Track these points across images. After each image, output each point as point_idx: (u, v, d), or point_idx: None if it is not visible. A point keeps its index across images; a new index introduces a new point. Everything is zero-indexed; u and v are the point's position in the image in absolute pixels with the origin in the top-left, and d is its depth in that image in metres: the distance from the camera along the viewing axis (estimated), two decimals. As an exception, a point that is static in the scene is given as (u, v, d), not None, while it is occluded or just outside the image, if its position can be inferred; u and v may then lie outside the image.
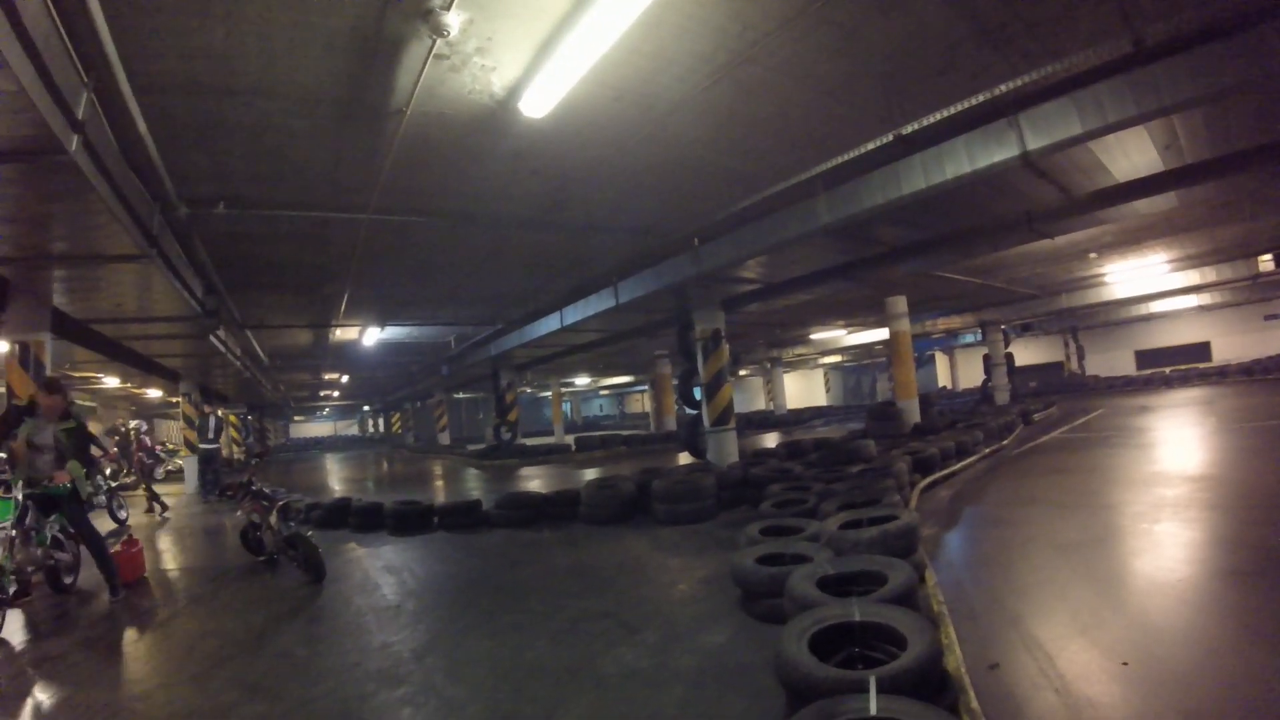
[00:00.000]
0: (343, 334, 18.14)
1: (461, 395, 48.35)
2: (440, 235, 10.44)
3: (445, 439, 39.96)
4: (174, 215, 8.24)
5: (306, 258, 11.17)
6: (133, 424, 21.95)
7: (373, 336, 17.83)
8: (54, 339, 10.80)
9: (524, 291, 14.58)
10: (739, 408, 51.25)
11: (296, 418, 77.10)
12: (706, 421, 14.73)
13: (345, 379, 33.07)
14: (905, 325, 20.66)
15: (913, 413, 20.44)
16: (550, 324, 16.74)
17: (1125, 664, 4.47)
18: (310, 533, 9.23)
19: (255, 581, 9.15)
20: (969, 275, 19.05)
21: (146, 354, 17.13)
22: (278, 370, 25.84)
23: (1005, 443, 17.06)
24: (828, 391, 57.28)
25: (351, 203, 8.83)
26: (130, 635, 7.13)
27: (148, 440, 21.29)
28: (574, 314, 15.39)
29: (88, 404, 29.60)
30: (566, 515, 11.76)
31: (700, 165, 8.65)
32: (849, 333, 31.75)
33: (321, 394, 44.01)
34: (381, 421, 68.15)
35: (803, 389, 56.80)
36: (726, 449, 14.68)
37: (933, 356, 52.35)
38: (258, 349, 19.22)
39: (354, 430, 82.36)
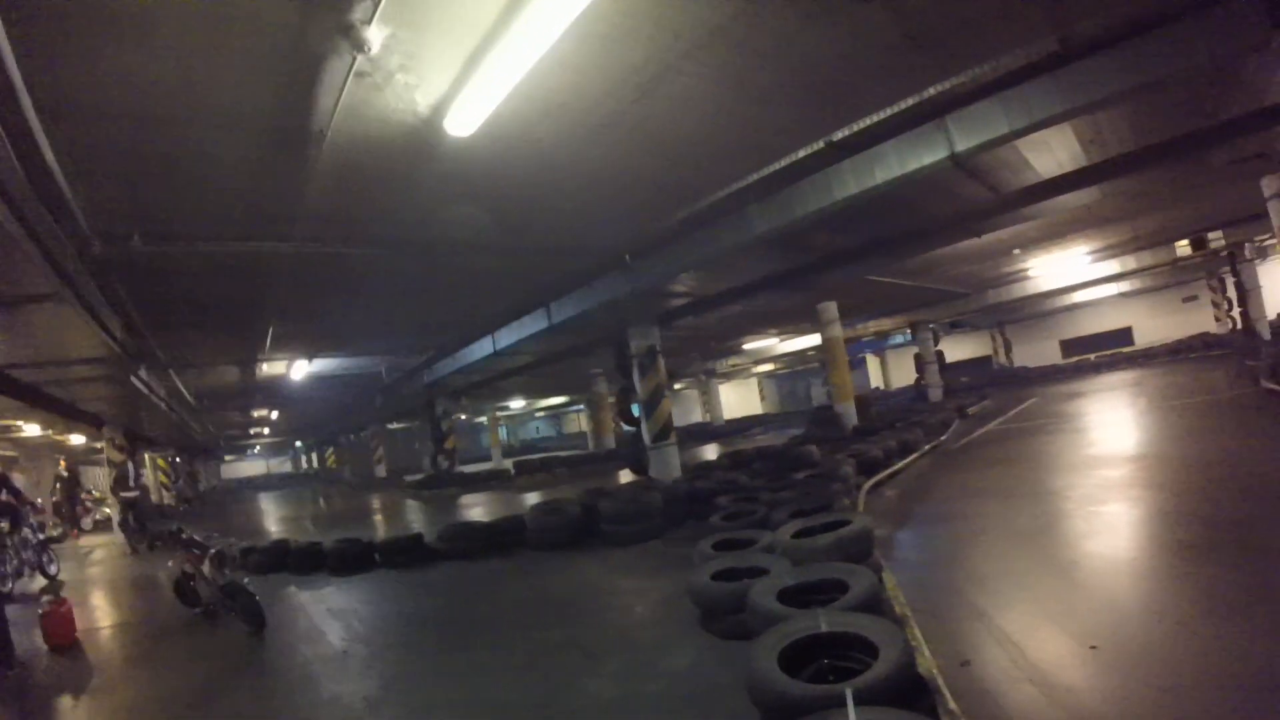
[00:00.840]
0: (270, 369, 17.65)
1: (397, 426, 47.44)
2: (370, 264, 10.16)
3: (382, 471, 39.22)
4: (89, 251, 7.83)
5: (231, 292, 10.78)
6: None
7: (301, 370, 17.38)
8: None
9: (457, 317, 14.34)
10: (677, 421, 50.90)
11: (227, 457, 73.44)
12: (647, 438, 14.62)
13: (275, 415, 32.15)
14: (838, 330, 20.87)
15: (851, 415, 20.63)
16: (483, 349, 16.48)
17: (1094, 647, 4.47)
18: (248, 580, 8.84)
19: (194, 635, 8.78)
20: (901, 278, 19.39)
21: (67, 398, 16.37)
22: (206, 411, 24.99)
23: (944, 438, 17.30)
24: (763, 400, 57.52)
25: (277, 232, 8.53)
26: (67, 704, 6.76)
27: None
28: (507, 337, 15.18)
29: (7, 454, 28.31)
30: (513, 543, 11.46)
31: (634, 179, 8.54)
32: (782, 340, 32.09)
33: (253, 431, 42.70)
34: (315, 457, 66.46)
35: (739, 399, 57.01)
36: (670, 464, 14.57)
37: (864, 359, 53.15)
38: (183, 390, 18.57)
39: (288, 467, 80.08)
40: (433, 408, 26.49)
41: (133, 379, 13.22)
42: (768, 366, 47.85)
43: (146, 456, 35.11)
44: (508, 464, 30.24)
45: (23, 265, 6.89)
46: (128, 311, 10.92)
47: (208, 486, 58.73)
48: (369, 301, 12.44)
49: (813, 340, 30.84)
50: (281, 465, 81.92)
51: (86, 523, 24.39)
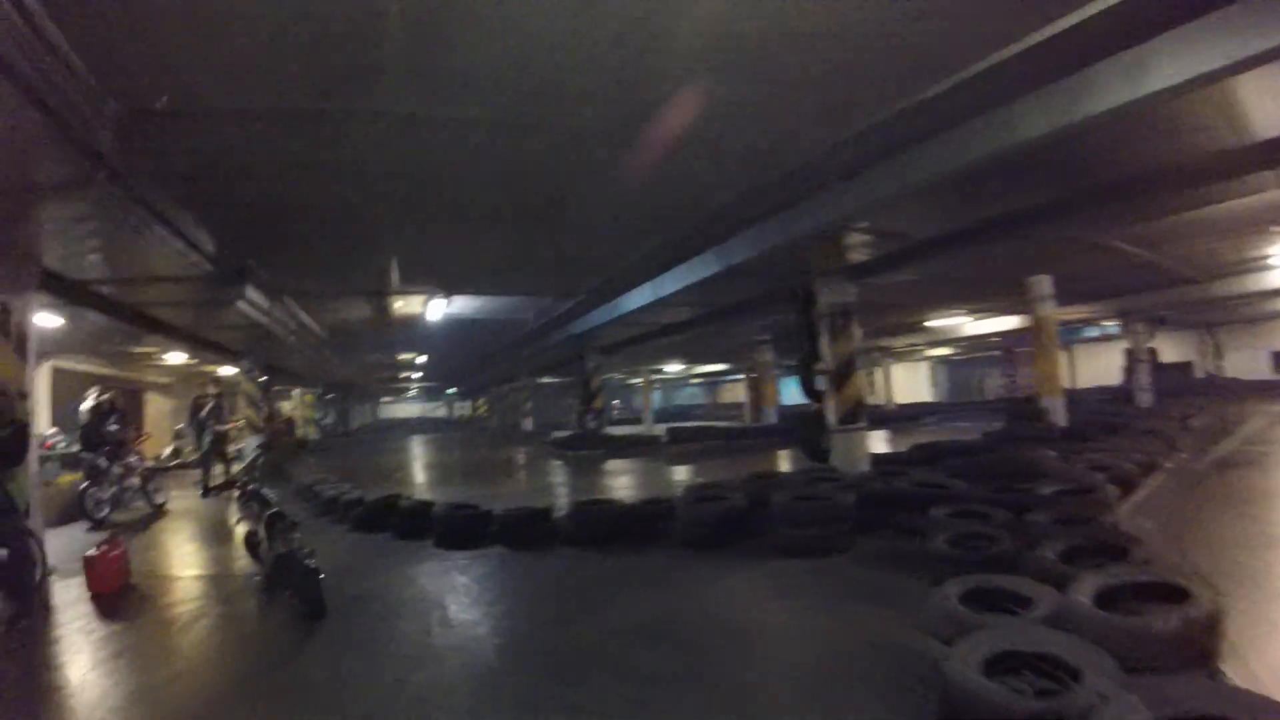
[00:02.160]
0: (405, 306, 15.97)
1: (547, 380, 46.18)
2: (485, 161, 7.80)
3: (529, 425, 37.93)
4: (105, 111, 5.86)
5: (329, 199, 8.76)
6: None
7: (438, 310, 15.58)
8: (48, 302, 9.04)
9: (607, 253, 12.02)
10: None
11: (384, 399, 77.64)
12: (831, 418, 11.96)
13: (422, 360, 31.08)
14: (1050, 309, 17.61)
15: (1059, 413, 17.36)
16: (641, 296, 14.18)
17: None
18: (310, 559, 6.78)
19: (241, 607, 7.11)
20: (1136, 245, 15.63)
21: (180, 324, 15.20)
22: (344, 348, 23.81)
23: (1181, 454, 13.90)
24: (933, 386, 53.06)
25: (355, 102, 6.37)
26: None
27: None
28: (670, 283, 12.79)
29: (161, 381, 28.29)
30: (657, 532, 9.15)
31: (861, 30, 5.58)
32: (974, 319, 28.31)
33: (402, 375, 42.48)
34: (468, 405, 67.31)
35: (904, 383, 52.62)
36: (854, 453, 11.86)
37: None
38: (308, 322, 17.11)
39: (442, 413, 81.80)
40: (583, 362, 24.51)
41: (240, 304, 11.64)
42: (943, 350, 43.63)
43: (296, 392, 35.36)
44: (659, 429, 28.25)
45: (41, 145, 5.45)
46: (222, 228, 9.33)
47: (360, 424, 60.14)
48: (500, 229, 10.27)
49: (1007, 323, 27.20)
50: (436, 410, 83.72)
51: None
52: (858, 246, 11.52)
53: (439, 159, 7.48)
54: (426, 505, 10.51)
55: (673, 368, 44.96)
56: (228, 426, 17.82)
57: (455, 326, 19.40)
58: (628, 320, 16.43)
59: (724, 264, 10.92)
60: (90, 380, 16.06)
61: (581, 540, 9.13)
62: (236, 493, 8.57)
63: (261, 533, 7.41)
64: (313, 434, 35.25)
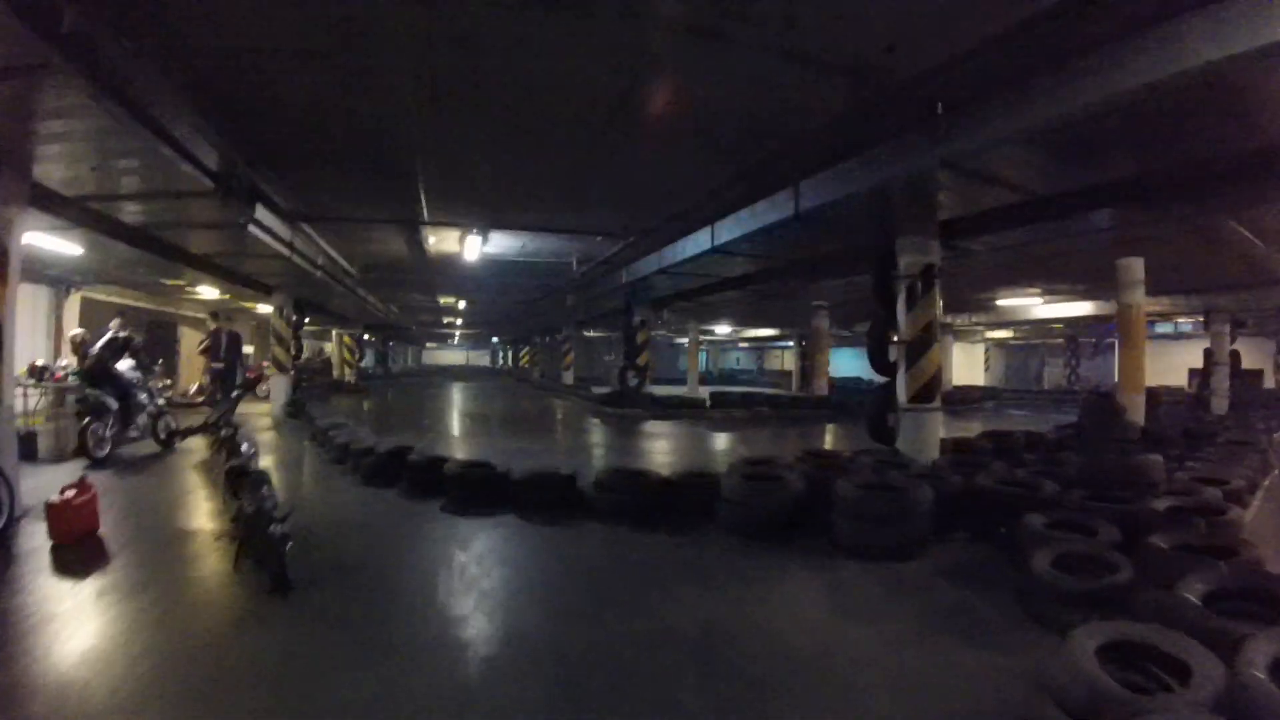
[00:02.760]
0: (441, 243, 14.87)
1: (592, 334, 45.04)
2: (540, 54, 6.44)
3: (570, 378, 36.87)
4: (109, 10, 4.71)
5: (350, 103, 7.51)
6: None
7: (475, 248, 14.40)
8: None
9: (666, 186, 10.52)
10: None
11: (429, 344, 78.04)
12: (902, 395, 10.58)
13: (463, 305, 30.01)
14: (1139, 296, 15.80)
15: (1138, 412, 15.72)
16: (696, 244, 12.80)
17: None
18: (279, 523, 5.66)
19: (202, 573, 6.04)
20: (1256, 235, 13.88)
21: (200, 254, 14.21)
22: (380, 287, 22.75)
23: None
24: (986, 370, 50.46)
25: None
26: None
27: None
28: (730, 229, 11.37)
29: (197, 315, 27.84)
30: (699, 512, 7.92)
31: None
32: (1045, 301, 26.46)
33: (446, 320, 41.59)
34: (510, 354, 66.80)
35: (961, 364, 50.12)
36: (924, 437, 10.46)
37: (1111, 345, 44.09)
38: (336, 256, 16.03)
39: (485, 361, 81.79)
40: (630, 314, 23.24)
41: (253, 229, 10.60)
42: (1001, 334, 41.32)
43: (335, 333, 34.77)
44: (703, 392, 27.02)
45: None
46: (226, 136, 8.25)
47: (402, 369, 59.97)
48: (544, 150, 8.96)
49: (1079, 308, 25.33)
50: (480, 358, 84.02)
51: (262, 389, 23.10)
52: (950, 200, 10.01)
53: (483, 46, 6.14)
54: (438, 461, 9.42)
55: (721, 329, 43.51)
56: (220, 365, 16.89)
57: (495, 270, 18.25)
58: (680, 270, 15.03)
59: (796, 209, 9.50)
60: (118, 312, 15.38)
61: (611, 514, 7.99)
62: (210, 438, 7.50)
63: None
64: (348, 375, 34.54)
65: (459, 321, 43.27)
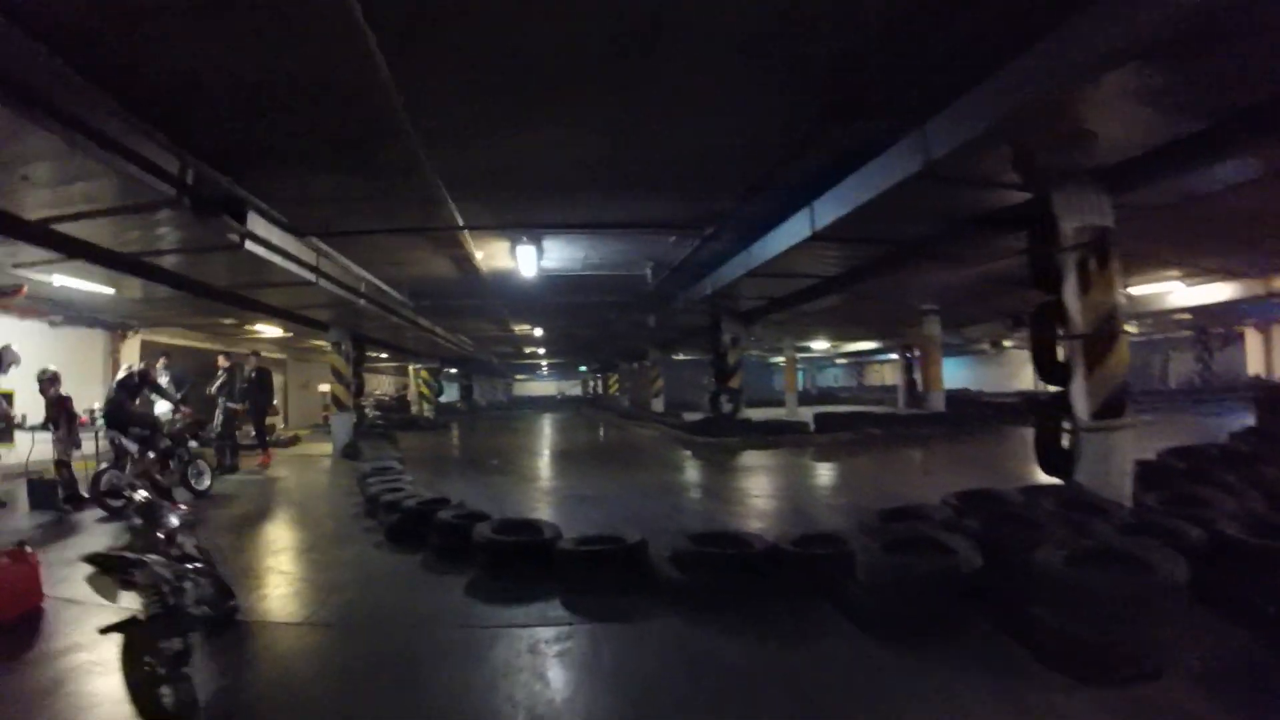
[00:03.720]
0: (490, 258, 13.00)
1: (682, 356, 42.55)
2: None
3: (659, 405, 34.61)
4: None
5: (285, 64, 5.49)
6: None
7: (530, 262, 12.37)
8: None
9: (733, 141, 8.06)
10: (987, 386, 42.50)
11: (519, 376, 77.79)
12: (1083, 409, 7.89)
13: (539, 333, 28.10)
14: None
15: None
16: (791, 232, 10.35)
17: None
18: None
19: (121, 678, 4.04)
20: None
21: (215, 283, 12.57)
22: (439, 315, 20.94)
23: None
24: None
25: None
26: None
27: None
28: (835, 205, 8.93)
29: (274, 355, 27.22)
30: (814, 589, 5.49)
31: None
32: (1189, 284, 22.79)
33: (527, 351, 40.01)
34: (600, 383, 65.30)
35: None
36: (1116, 465, 7.71)
37: (1240, 336, 38.44)
38: (376, 281, 14.16)
39: (577, 391, 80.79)
40: (717, 333, 20.84)
41: (252, 247, 9.14)
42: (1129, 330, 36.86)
43: (411, 368, 33.69)
44: (803, 413, 24.43)
45: None
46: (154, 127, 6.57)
47: (489, 402, 59.27)
48: (579, 99, 6.70)
49: (1219, 291, 21.71)
50: (572, 388, 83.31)
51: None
52: (1123, 129, 7.32)
53: None
54: (472, 520, 7.23)
55: (818, 344, 40.70)
56: (239, 407, 15.31)
57: (561, 288, 16.22)
58: (772, 271, 12.54)
59: (926, 160, 7.00)
60: (163, 352, 14.83)
61: (694, 596, 5.61)
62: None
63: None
64: (426, 411, 33.22)
65: (540, 351, 41.63)
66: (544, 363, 56.10)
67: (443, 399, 49.38)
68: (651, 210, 10.13)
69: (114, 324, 18.12)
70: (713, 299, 16.35)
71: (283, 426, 26.77)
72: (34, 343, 15.26)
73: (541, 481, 13.69)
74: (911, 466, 14.46)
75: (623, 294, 17.35)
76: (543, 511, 9.84)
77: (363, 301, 14.61)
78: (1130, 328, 35.05)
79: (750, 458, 16.32)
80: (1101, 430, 7.78)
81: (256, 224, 9.19)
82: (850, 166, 8.20)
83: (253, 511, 10.62)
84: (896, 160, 7.45)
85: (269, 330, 21.29)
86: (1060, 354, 8.04)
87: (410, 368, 34.85)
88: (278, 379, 28.67)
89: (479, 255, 12.41)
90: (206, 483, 11.85)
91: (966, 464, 13.78)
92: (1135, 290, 22.28)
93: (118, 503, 9.83)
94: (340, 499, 11.28)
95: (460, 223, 9.88)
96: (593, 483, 13.17)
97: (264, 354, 26.52)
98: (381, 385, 47.44)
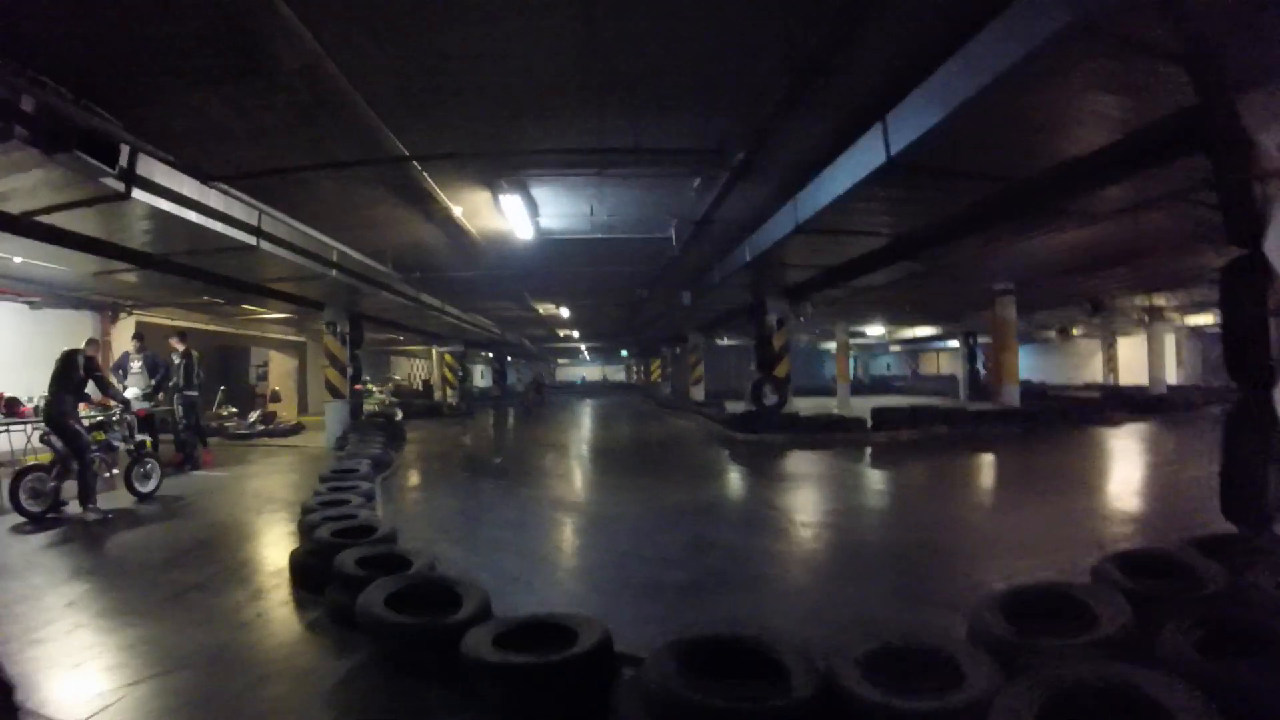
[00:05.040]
0: (474, 216, 10.65)
1: (726, 341, 39.60)
2: None
3: (699, 393, 32.11)
4: None
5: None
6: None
7: (520, 216, 9.96)
8: None
9: (777, 18, 5.64)
10: (1052, 378, 38.85)
11: (561, 360, 76.39)
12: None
13: (566, 313, 25.59)
14: None
15: None
16: (858, 162, 7.50)
17: None
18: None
19: None
20: None
21: (141, 248, 10.48)
22: (442, 291, 18.53)
23: None
24: (1179, 364, 40.94)
25: None
26: None
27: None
28: (926, 110, 6.09)
29: (286, 337, 26.26)
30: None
31: None
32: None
33: (561, 334, 37.74)
34: (641, 369, 62.47)
35: (1140, 358, 40.56)
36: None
37: None
38: (342, 247, 11.80)
39: (621, 376, 79.02)
40: (760, 311, 18.16)
41: (141, 196, 7.22)
42: (1203, 317, 32.75)
43: (435, 351, 31.96)
44: (856, 404, 21.72)
45: None
46: None
47: (525, 387, 57.50)
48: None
49: None
50: (617, 373, 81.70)
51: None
52: None
53: None
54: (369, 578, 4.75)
55: (872, 330, 37.60)
56: (194, 393, 13.27)
57: (573, 256, 13.70)
58: (825, 225, 9.71)
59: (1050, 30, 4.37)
60: (137, 335, 13.41)
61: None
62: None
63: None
64: (450, 397, 31.32)
65: (575, 334, 39.21)
66: (582, 346, 53.41)
67: (479, 384, 47.42)
68: (660, 133, 7.39)
69: (103, 304, 16.71)
70: (754, 270, 13.61)
71: (297, 414, 24.98)
72: (11, 326, 14.52)
73: (537, 489, 11.20)
74: (1000, 484, 11.71)
75: (647, 263, 14.66)
76: (522, 539, 7.68)
77: (335, 273, 12.45)
78: (1207, 316, 31.34)
79: (797, 462, 13.68)
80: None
81: (153, 170, 7.23)
82: (945, 49, 5.53)
83: (159, 540, 8.01)
84: (1025, 20, 4.79)
85: (274, 313, 19.93)
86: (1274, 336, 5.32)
87: (434, 351, 32.71)
88: (290, 363, 26.96)
89: (457, 210, 9.91)
90: (153, 484, 10.19)
91: (1067, 482, 11.00)
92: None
93: (37, 508, 8.61)
94: (286, 516, 8.87)
95: (404, 152, 7.38)
96: (600, 496, 10.72)
97: (276, 335, 24.94)
98: (414, 370, 45.42)
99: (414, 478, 12.60)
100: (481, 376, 53.10)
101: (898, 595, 5.45)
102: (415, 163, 7.91)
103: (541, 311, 24.59)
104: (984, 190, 8.38)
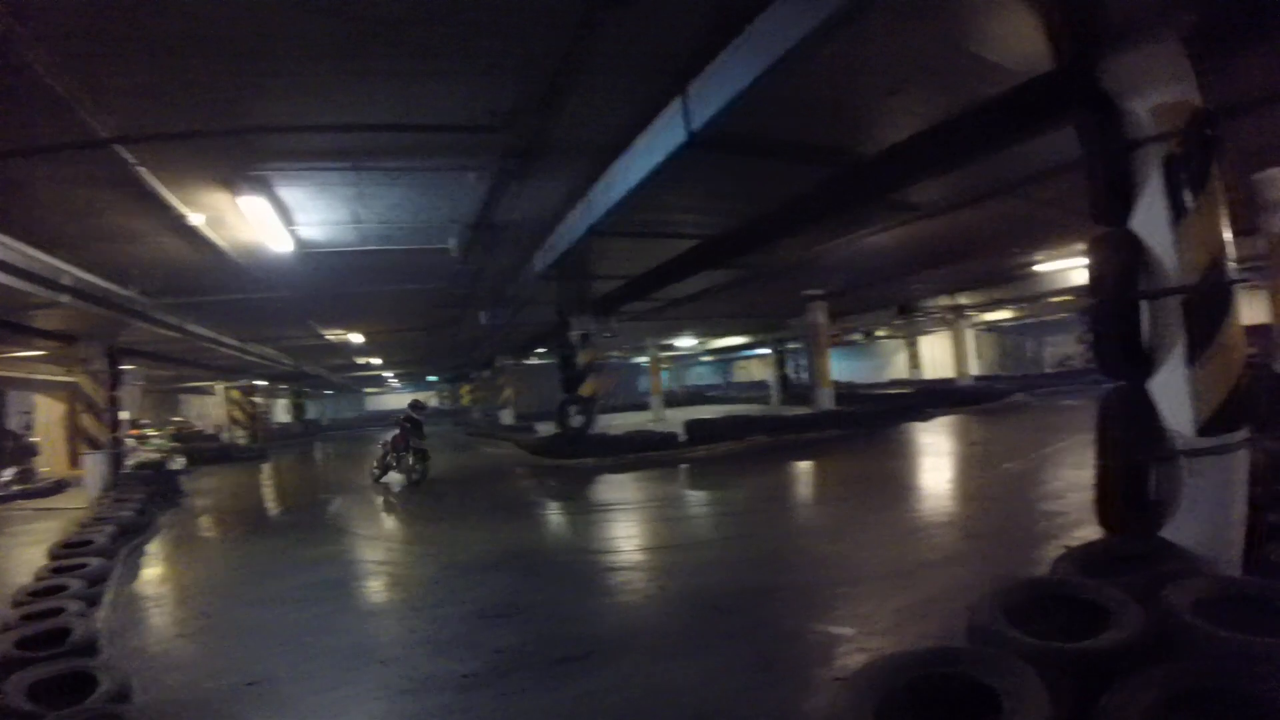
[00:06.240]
0: (217, 222, 9.00)
1: (538, 361, 38.22)
2: None
3: (508, 417, 31.18)
4: None
5: None
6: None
7: (269, 224, 8.47)
8: None
9: None
10: (859, 378, 40.23)
11: (369, 390, 72.43)
12: (1183, 418, 4.39)
13: (359, 340, 23.51)
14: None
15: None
16: (656, 144, 6.36)
17: None
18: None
19: None
20: None
21: None
22: (201, 315, 15.81)
23: None
24: (978, 357, 43.40)
25: None
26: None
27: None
28: (734, 71, 5.02)
29: (53, 377, 21.75)
30: None
31: None
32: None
33: (359, 362, 35.60)
34: (454, 393, 61.09)
35: (940, 354, 43.20)
36: (1230, 507, 4.46)
37: None
38: (73, 270, 9.89)
39: (435, 403, 76.50)
40: (563, 328, 17.07)
41: None
42: (1001, 314, 34.41)
43: (221, 388, 29.58)
44: (668, 415, 21.05)
45: None
46: None
47: (331, 420, 54.73)
48: None
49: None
50: (430, 400, 78.58)
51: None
52: None
53: None
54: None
55: (684, 342, 37.25)
56: None
57: (346, 274, 12.20)
58: (625, 226, 8.53)
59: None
60: None
61: None
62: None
63: None
64: (240, 437, 28.87)
65: (376, 362, 36.95)
66: (387, 374, 50.97)
67: (278, 420, 43.96)
68: (431, 103, 5.97)
69: None
70: (552, 282, 12.45)
71: (67, 466, 21.30)
72: None
73: (316, 548, 9.34)
74: (832, 496, 10.77)
75: (433, 279, 13.10)
76: (280, 620, 6.16)
77: (66, 298, 10.23)
78: (1004, 314, 32.72)
79: (606, 488, 12.56)
80: (1213, 452, 4.38)
81: None
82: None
83: None
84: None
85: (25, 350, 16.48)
86: (1144, 327, 4.57)
87: (218, 387, 29.78)
88: (60, 407, 23.16)
89: (197, 218, 8.23)
90: None
91: (904, 487, 10.39)
92: (1043, 268, 19.53)
93: None
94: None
95: (103, 134, 5.75)
96: (387, 552, 9.14)
97: (43, 375, 21.36)
98: (206, 410, 41.50)
99: (170, 545, 10.41)
100: (286, 412, 49.71)
101: (760, 670, 4.33)
102: (118, 147, 6.19)
103: (332, 339, 22.55)
104: (804, 177, 7.46)
